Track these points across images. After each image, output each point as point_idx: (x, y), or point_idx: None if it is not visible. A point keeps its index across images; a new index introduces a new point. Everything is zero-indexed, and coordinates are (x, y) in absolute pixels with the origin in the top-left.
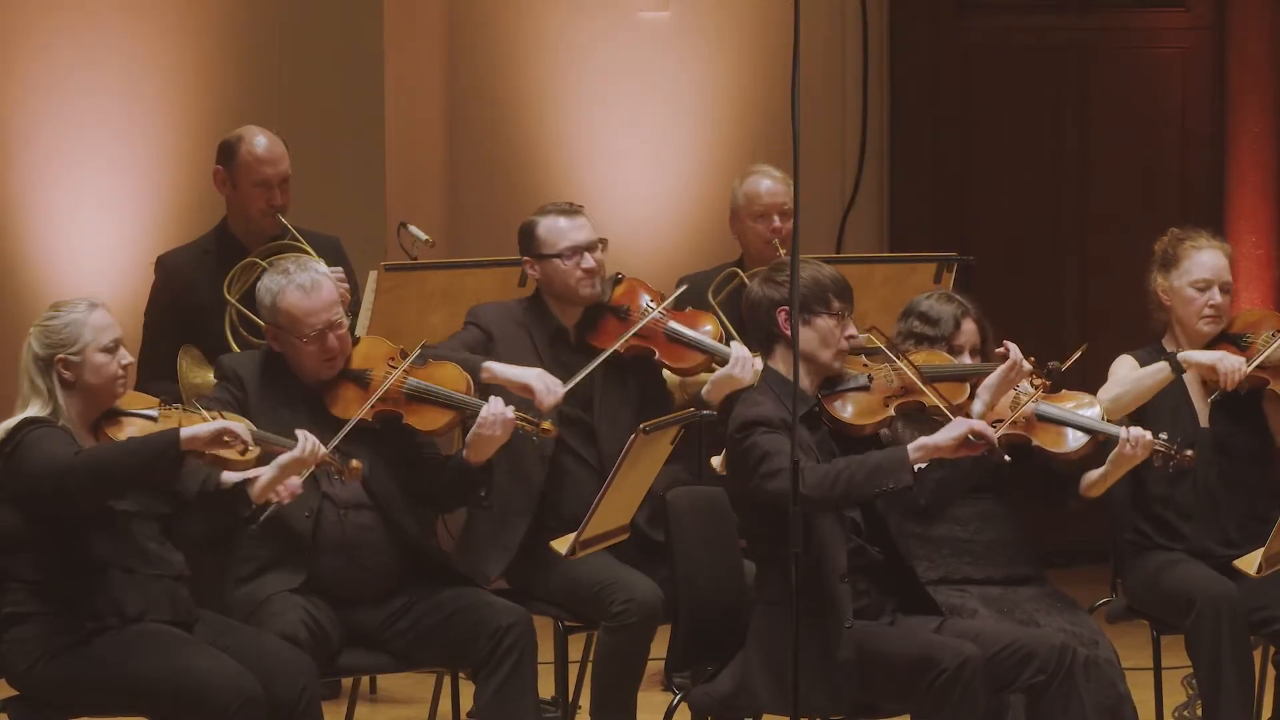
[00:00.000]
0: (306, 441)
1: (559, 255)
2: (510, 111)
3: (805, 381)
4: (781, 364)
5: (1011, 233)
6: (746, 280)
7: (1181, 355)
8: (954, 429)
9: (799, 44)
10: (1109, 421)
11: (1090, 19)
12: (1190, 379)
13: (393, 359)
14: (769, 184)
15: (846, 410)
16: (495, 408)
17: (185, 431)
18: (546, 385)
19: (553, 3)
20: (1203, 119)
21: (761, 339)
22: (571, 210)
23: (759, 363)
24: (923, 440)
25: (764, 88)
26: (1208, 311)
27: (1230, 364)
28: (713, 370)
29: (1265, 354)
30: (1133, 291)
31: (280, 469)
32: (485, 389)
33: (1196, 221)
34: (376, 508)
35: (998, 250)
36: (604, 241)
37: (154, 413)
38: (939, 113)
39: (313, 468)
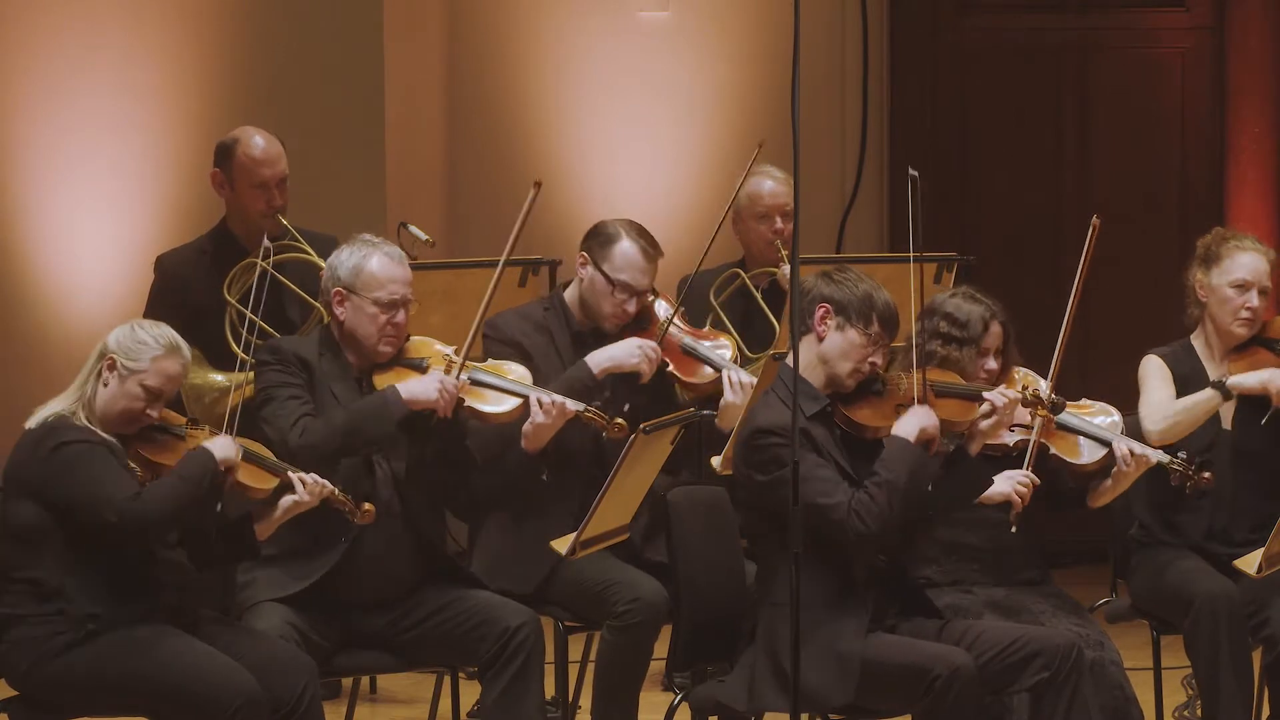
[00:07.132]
0: (313, 485)
1: (614, 283)
2: (510, 111)
3: (818, 380)
4: (802, 357)
5: (1011, 233)
6: (748, 281)
7: (1230, 382)
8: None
9: (799, 44)
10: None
11: (1090, 19)
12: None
13: (451, 350)
14: (771, 185)
15: (858, 411)
16: (553, 397)
17: (218, 452)
18: (645, 354)
19: (553, 2)
20: (1203, 119)
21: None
22: (654, 253)
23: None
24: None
25: (764, 88)
26: (1244, 314)
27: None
28: (721, 390)
29: None
30: (1133, 291)
31: (285, 511)
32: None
33: (1197, 221)
34: (404, 511)
35: (998, 250)
36: (655, 294)
37: (182, 430)
38: (939, 113)
39: (316, 504)
